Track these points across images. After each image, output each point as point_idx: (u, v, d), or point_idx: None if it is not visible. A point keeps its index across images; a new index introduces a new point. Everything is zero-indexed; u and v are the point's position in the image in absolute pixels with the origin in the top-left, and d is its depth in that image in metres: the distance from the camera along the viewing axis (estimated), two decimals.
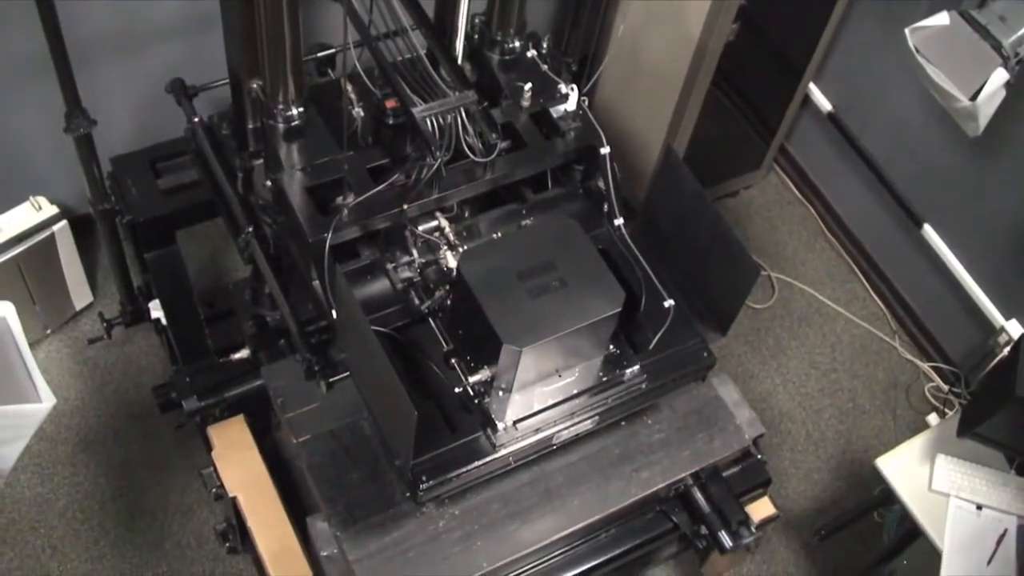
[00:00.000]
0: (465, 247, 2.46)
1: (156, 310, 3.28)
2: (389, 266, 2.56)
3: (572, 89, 2.65)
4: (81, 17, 3.04)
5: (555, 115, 2.66)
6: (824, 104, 4.18)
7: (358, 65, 2.52)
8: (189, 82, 2.83)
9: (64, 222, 3.41)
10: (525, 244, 2.37)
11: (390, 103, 2.56)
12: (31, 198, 3.36)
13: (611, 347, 2.44)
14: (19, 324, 2.24)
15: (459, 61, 2.71)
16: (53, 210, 3.38)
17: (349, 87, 2.54)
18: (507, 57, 2.79)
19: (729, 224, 2.53)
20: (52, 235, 3.40)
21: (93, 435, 3.55)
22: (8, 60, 3.19)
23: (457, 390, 2.35)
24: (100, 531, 3.38)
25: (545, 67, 2.76)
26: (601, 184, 2.67)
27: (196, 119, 2.76)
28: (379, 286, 2.55)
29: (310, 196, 2.45)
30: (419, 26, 2.52)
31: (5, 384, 2.22)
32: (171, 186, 3.10)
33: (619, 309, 2.28)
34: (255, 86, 2.51)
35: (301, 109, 2.54)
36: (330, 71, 2.90)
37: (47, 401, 2.28)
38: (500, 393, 2.32)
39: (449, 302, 2.47)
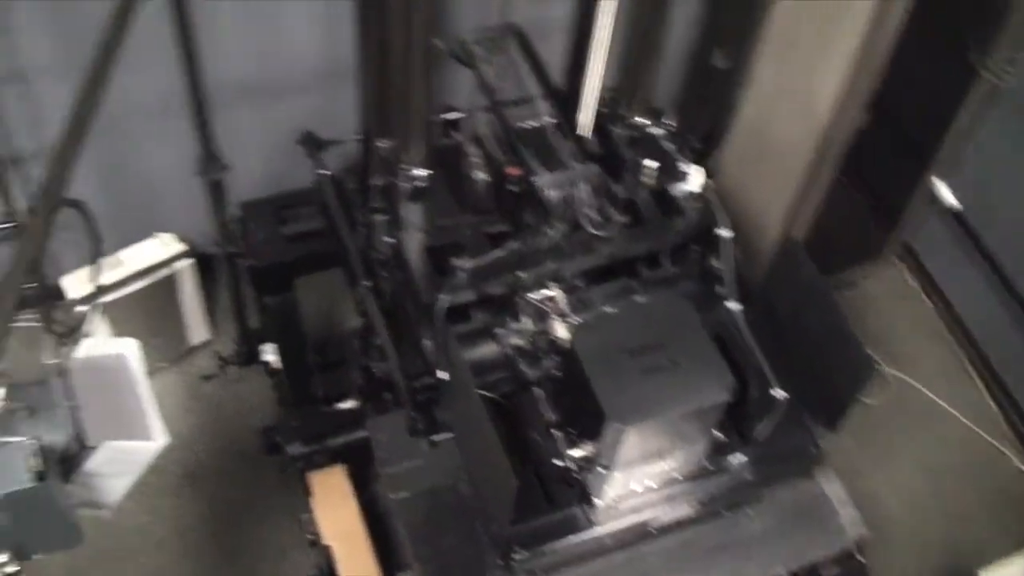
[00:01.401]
0: (576, 318, 2.46)
1: (268, 353, 3.35)
2: (499, 331, 2.57)
3: (695, 169, 2.64)
4: (219, 64, 3.15)
5: (676, 193, 2.65)
6: (950, 200, 4.07)
7: (484, 130, 2.56)
8: (318, 135, 2.91)
9: (190, 260, 3.52)
10: (638, 321, 2.36)
11: (513, 170, 2.59)
12: (158, 234, 3.47)
13: (717, 433, 2.40)
14: (141, 362, 2.29)
15: (586, 133, 2.73)
16: (179, 247, 3.49)
17: (473, 150, 2.58)
18: (632, 132, 2.80)
19: (847, 316, 2.48)
20: (176, 271, 3.51)
21: (199, 470, 3.62)
22: (145, 101, 3.30)
23: (558, 462, 2.34)
24: (196, 563, 3.43)
25: (669, 145, 2.77)
26: (718, 266, 2.64)
27: (324, 171, 2.82)
28: (487, 350, 2.56)
29: (428, 256, 2.48)
30: (547, 97, 2.55)
31: (122, 418, 2.27)
32: (293, 233, 3.18)
33: (728, 398, 2.24)
34: (384, 145, 2.56)
35: (426, 171, 2.58)
36: (454, 133, 2.95)
37: (160, 439, 2.32)
38: (601, 470, 2.29)
39: (557, 372, 2.46)
